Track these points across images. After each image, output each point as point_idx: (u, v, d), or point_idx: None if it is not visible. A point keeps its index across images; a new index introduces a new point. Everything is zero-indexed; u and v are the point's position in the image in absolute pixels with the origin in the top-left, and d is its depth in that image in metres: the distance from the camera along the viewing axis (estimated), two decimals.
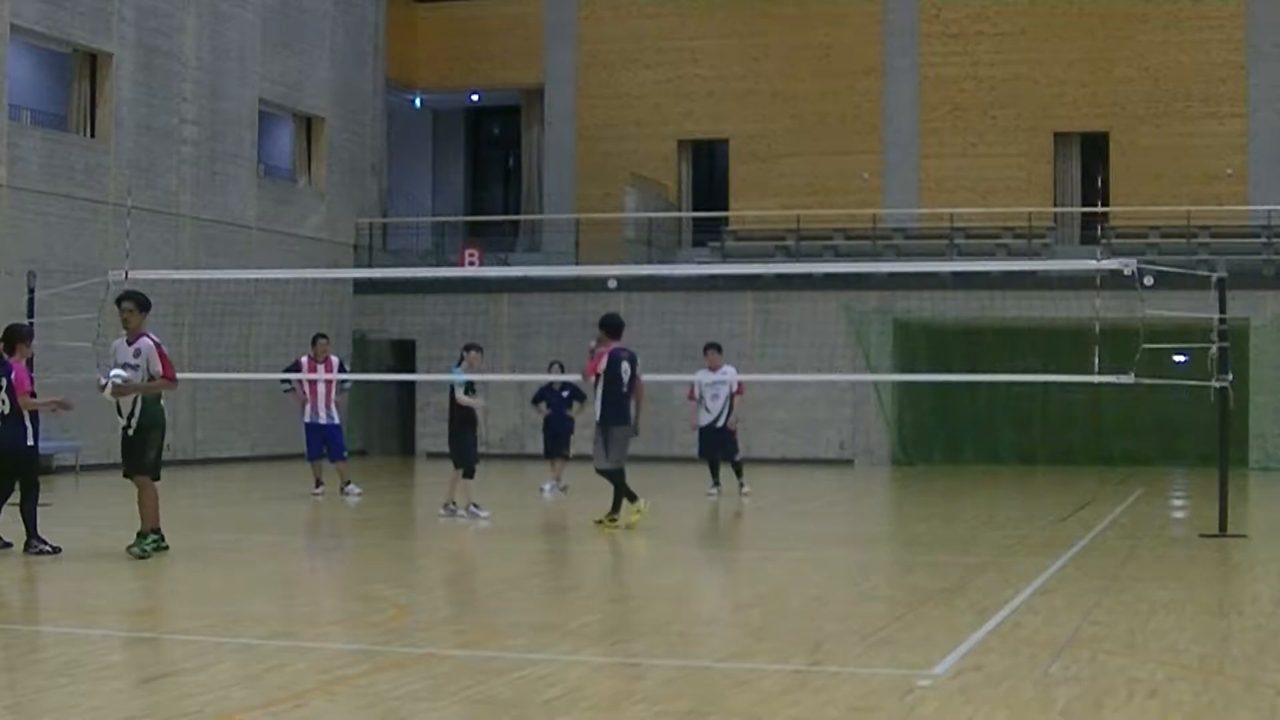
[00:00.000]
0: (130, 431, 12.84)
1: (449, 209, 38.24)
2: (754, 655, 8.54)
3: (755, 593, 11.66)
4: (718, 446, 20.71)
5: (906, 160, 33.27)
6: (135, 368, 12.66)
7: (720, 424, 20.57)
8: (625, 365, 15.92)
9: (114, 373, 12.63)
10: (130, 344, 12.81)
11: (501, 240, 35.59)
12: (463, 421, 17.41)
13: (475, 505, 17.02)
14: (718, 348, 20.81)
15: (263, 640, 8.73)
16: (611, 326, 16.17)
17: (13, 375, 13.18)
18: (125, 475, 13.04)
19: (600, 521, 15.90)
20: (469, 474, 17.14)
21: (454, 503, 17.14)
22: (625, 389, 15.91)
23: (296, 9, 30.57)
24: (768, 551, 14.94)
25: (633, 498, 15.83)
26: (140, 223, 24.61)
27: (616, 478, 15.85)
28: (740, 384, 20.92)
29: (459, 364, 17.78)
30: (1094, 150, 33.30)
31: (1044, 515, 18.39)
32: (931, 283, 28.10)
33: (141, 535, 12.76)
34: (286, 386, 20.79)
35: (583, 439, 23.78)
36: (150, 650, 8.28)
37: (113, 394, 12.70)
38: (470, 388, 17.42)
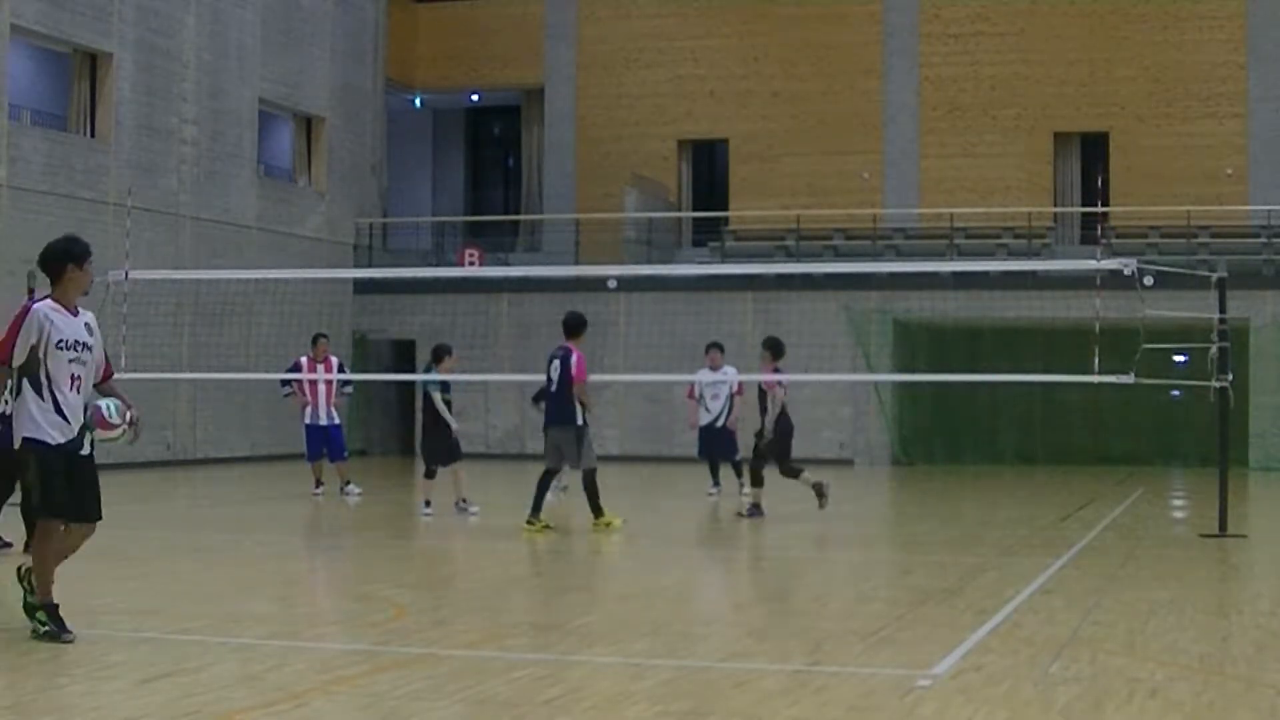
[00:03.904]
0: (90, 450, 8.83)
1: (449, 209, 38.24)
2: (754, 655, 8.54)
3: (755, 593, 11.66)
4: (718, 446, 20.71)
5: (906, 160, 33.28)
6: (92, 349, 8.83)
7: (720, 424, 20.57)
8: (556, 364, 15.74)
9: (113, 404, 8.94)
10: (76, 315, 8.84)
11: (501, 240, 35.60)
12: (435, 421, 17.52)
13: (428, 502, 17.23)
14: (719, 347, 20.80)
15: (263, 640, 8.73)
16: (567, 326, 15.96)
17: None
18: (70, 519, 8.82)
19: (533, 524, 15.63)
20: (429, 473, 17.31)
21: (464, 500, 17.23)
22: (552, 388, 15.72)
23: (296, 9, 30.58)
24: (768, 551, 14.94)
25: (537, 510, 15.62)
26: (140, 223, 24.61)
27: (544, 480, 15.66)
28: (740, 384, 20.92)
29: (430, 367, 17.81)
30: (1094, 150, 33.31)
31: (1044, 515, 18.39)
32: (931, 283, 28.10)
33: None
34: (286, 391, 20.78)
35: None
36: (150, 650, 8.28)
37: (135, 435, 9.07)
38: (446, 389, 17.51)
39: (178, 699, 7.01)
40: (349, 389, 21.88)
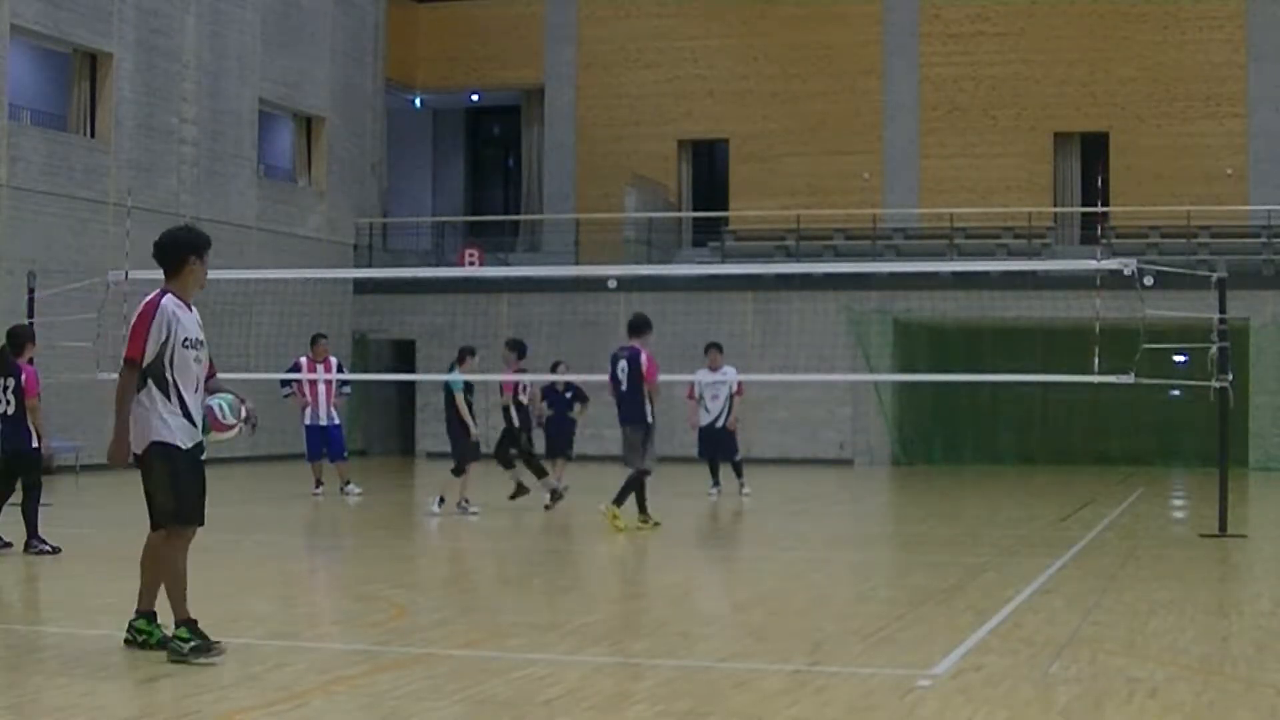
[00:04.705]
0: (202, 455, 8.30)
1: (449, 209, 38.24)
2: (754, 655, 8.54)
3: (755, 593, 11.66)
4: (717, 446, 20.73)
5: (906, 160, 33.27)
6: (206, 346, 8.37)
7: (720, 424, 20.59)
8: (624, 364, 15.90)
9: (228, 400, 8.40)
10: (191, 310, 8.33)
11: (501, 240, 35.60)
12: (458, 422, 17.57)
13: (442, 500, 17.28)
14: (719, 347, 20.82)
15: (263, 640, 8.73)
16: (635, 327, 16.22)
17: (22, 378, 13.20)
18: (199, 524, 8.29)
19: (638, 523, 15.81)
20: (457, 471, 17.33)
21: (465, 500, 17.28)
22: (623, 388, 15.89)
23: (296, 9, 30.58)
24: (768, 551, 14.94)
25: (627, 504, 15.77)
26: (140, 223, 24.56)
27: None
28: (740, 384, 20.95)
29: (453, 367, 17.88)
30: (1094, 150, 33.30)
31: (1044, 515, 18.39)
32: (931, 283, 28.10)
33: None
34: (286, 391, 20.78)
35: (583, 439, 23.81)
36: (150, 650, 8.27)
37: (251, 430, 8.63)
38: (470, 390, 17.58)
39: (178, 699, 7.01)
40: (347, 389, 21.88)
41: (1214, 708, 7.05)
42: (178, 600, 8.03)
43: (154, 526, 8.18)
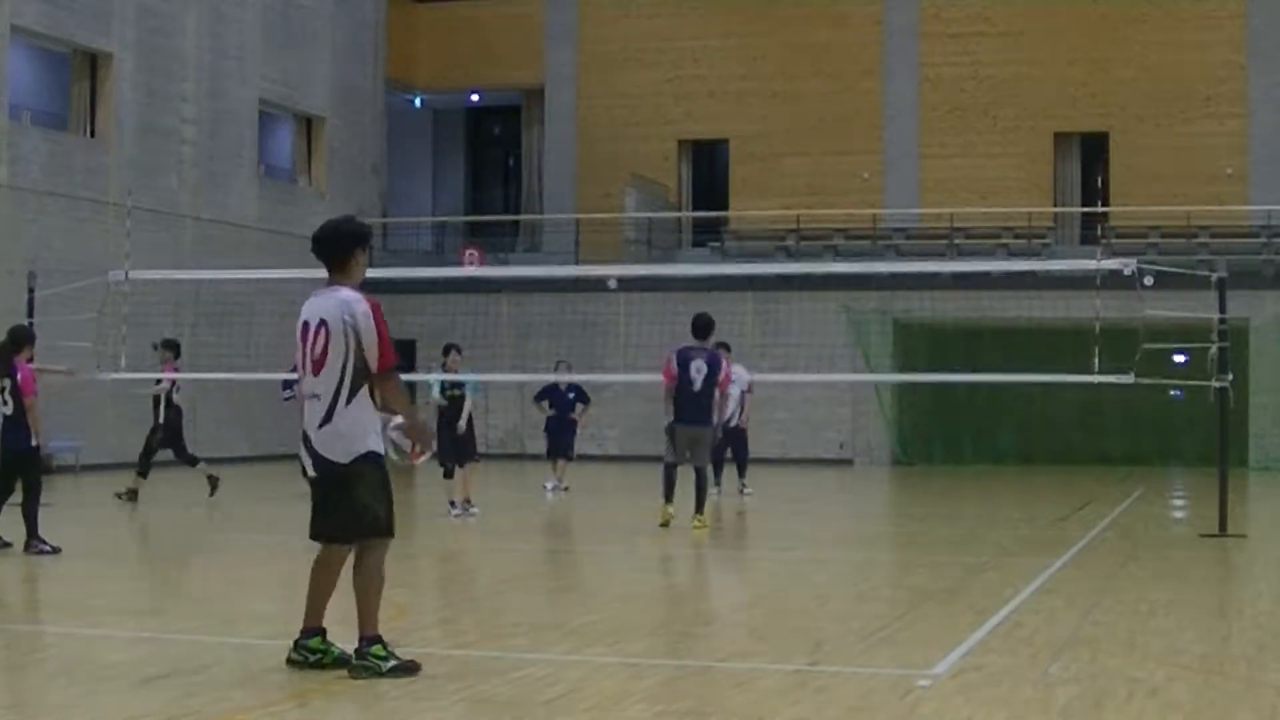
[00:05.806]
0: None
1: (449, 209, 38.24)
2: (754, 655, 8.54)
3: (755, 593, 11.66)
4: (729, 445, 20.77)
5: (906, 160, 33.28)
6: None
7: (733, 424, 20.65)
8: (701, 365, 15.76)
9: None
10: None
11: (501, 240, 35.60)
12: (440, 421, 17.52)
13: (463, 502, 17.18)
14: (727, 347, 20.84)
15: (263, 640, 8.73)
16: (708, 328, 16.15)
17: (19, 377, 13.21)
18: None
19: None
20: (447, 474, 17.31)
21: (468, 500, 17.27)
22: (695, 388, 15.77)
23: (296, 9, 30.58)
24: (768, 551, 14.95)
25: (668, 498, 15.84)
26: (140, 223, 24.56)
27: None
28: (750, 383, 21.13)
29: (442, 366, 17.93)
30: (1094, 150, 33.31)
31: (1044, 515, 18.40)
32: (931, 283, 28.09)
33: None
34: (287, 394, 20.75)
35: (583, 439, 23.81)
36: (150, 650, 8.28)
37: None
38: (454, 388, 17.53)
39: (178, 699, 7.01)
40: None
41: (1214, 708, 7.05)
42: (375, 614, 7.73)
43: (341, 540, 7.82)
